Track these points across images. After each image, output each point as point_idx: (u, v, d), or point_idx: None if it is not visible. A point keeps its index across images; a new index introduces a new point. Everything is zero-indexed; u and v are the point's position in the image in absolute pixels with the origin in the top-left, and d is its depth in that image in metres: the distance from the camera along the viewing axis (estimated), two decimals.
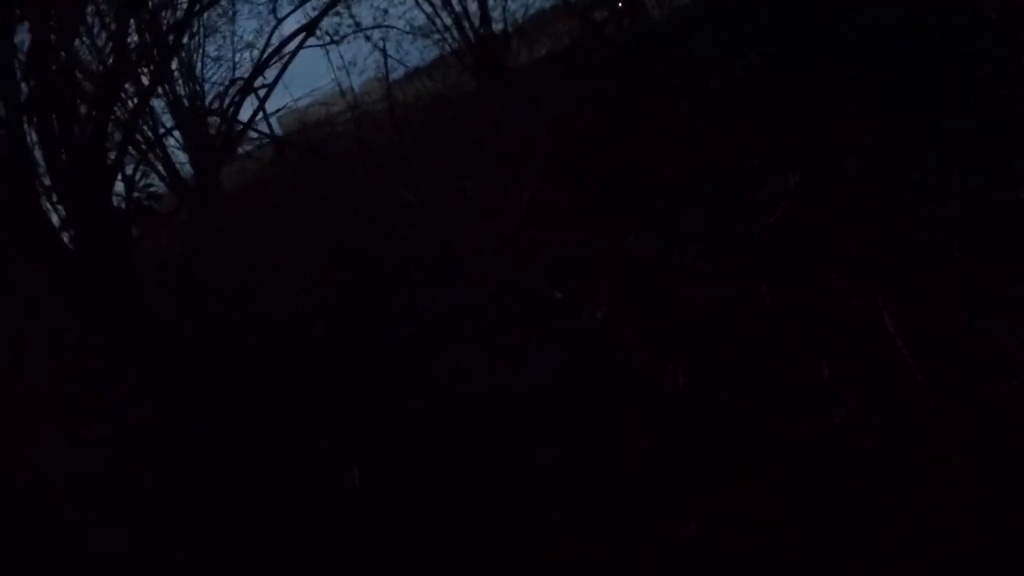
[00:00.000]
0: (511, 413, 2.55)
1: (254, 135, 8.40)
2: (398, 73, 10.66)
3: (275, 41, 8.46)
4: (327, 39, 7.67)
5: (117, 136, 5.80)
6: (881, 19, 4.80)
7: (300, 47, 4.51)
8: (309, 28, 4.49)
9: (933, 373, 2.23)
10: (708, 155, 3.80)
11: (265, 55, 4.52)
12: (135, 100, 6.39)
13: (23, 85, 4.52)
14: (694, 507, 1.91)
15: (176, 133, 11.02)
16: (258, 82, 4.65)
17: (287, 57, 4.45)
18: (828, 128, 3.57)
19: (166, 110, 11.41)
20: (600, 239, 3.29)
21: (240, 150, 9.43)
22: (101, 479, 3.22)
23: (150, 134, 9.40)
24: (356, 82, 10.45)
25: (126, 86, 5.45)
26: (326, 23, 6.55)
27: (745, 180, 3.38)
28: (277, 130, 12.58)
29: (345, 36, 9.07)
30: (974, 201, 2.72)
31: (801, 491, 1.88)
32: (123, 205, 4.96)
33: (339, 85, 10.02)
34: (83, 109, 4.96)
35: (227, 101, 4.26)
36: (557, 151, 5.22)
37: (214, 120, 11.13)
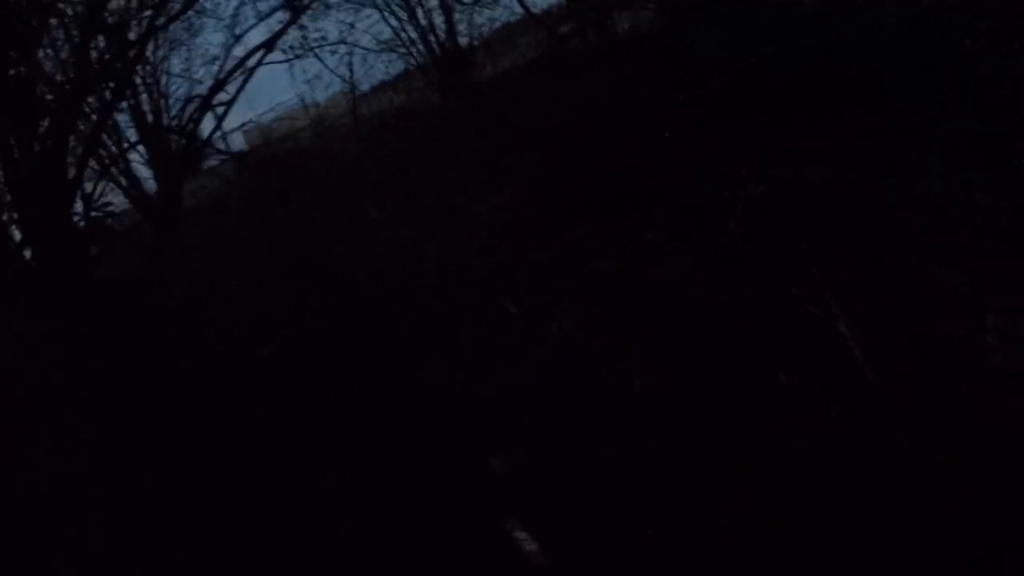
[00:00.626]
0: (482, 419, 2.52)
1: (217, 150, 8.29)
2: (364, 87, 10.61)
3: (237, 55, 8.38)
4: (290, 54, 7.60)
5: (79, 150, 5.68)
6: (882, 19, 4.86)
7: (260, 63, 4.46)
8: (268, 44, 4.44)
9: (891, 378, 2.24)
10: (686, 163, 3.81)
11: (225, 71, 4.45)
12: (97, 114, 6.26)
13: None
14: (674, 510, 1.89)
15: (140, 148, 10.84)
16: (220, 98, 4.59)
17: (247, 73, 4.39)
18: (824, 131, 3.60)
19: (130, 124, 11.23)
20: (572, 250, 3.27)
21: (204, 165, 9.30)
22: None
23: (113, 148, 9.22)
24: (321, 96, 10.37)
25: (88, 100, 5.34)
26: (288, 38, 6.49)
27: (728, 187, 3.39)
28: (241, 145, 12.44)
29: (309, 50, 9.02)
30: (965, 208, 2.75)
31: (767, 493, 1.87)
32: (82, 223, 4.84)
33: (303, 100, 9.95)
34: (44, 123, 4.85)
35: (186, 117, 4.18)
36: (525, 163, 5.21)
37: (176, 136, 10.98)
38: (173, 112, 11.85)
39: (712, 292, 2.82)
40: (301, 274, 5.09)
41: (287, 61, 6.91)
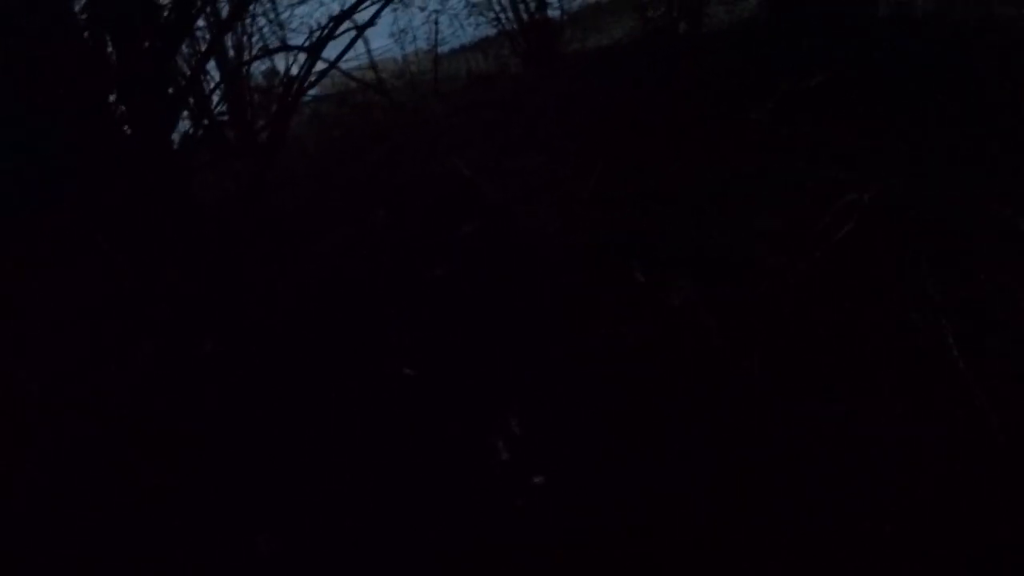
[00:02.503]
0: (588, 384, 2.67)
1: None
2: (446, 48, 10.72)
3: None
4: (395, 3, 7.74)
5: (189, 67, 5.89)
6: (952, 40, 4.90)
7: (388, 2, 4.61)
8: None
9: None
10: (772, 161, 3.90)
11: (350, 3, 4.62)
12: (212, 31, 6.44)
13: None
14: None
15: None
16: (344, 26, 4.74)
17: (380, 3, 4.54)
18: (907, 152, 3.68)
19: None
20: (671, 229, 3.40)
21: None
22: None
23: (208, 79, 9.46)
24: (404, 49, 10.51)
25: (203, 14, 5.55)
26: None
27: (816, 192, 3.48)
28: (318, 91, 12.64)
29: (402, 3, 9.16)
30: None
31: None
32: (191, 130, 5.05)
33: (400, 48, 10.12)
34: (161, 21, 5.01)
35: (313, 40, 4.34)
36: (615, 140, 5.31)
37: (256, 74, 11.21)
38: (254, 51, 12.10)
39: (820, 287, 2.93)
40: (388, 221, 5.25)
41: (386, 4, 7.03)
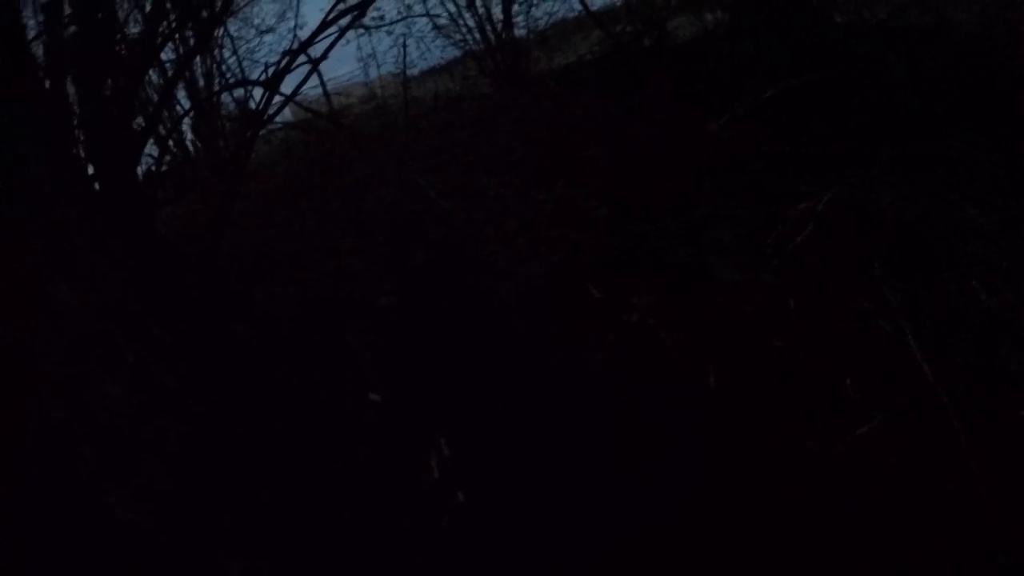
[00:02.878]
0: (545, 408, 2.64)
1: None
2: (415, 70, 10.76)
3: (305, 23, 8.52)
4: (377, 22, 7.81)
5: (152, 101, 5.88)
6: (934, 51, 4.95)
7: (350, 26, 4.61)
8: (362, 7, 4.62)
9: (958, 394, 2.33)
10: (738, 174, 3.91)
11: (313, 32, 4.62)
12: (174, 63, 6.42)
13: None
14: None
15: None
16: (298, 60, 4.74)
17: (338, 34, 4.54)
18: (880, 155, 3.70)
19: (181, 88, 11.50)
20: (631, 245, 3.39)
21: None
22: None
23: (177, 107, 9.45)
24: (372, 75, 10.55)
25: (165, 48, 5.54)
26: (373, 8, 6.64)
27: (775, 201, 3.49)
28: (288, 117, 12.63)
29: (395, 22, 9.22)
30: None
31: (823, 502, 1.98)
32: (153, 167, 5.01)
33: (366, 74, 10.15)
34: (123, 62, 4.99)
35: (270, 74, 4.35)
36: (580, 158, 5.32)
37: (227, 102, 11.21)
38: (228, 77, 12.11)
39: (778, 297, 2.92)
40: (354, 247, 5.22)
41: (368, 28, 7.06)
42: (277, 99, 4.81)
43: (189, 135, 9.53)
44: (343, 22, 4.90)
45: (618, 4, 9.80)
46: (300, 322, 3.83)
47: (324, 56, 4.42)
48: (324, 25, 4.55)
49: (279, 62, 4.40)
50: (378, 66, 10.00)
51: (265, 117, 4.36)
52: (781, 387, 2.53)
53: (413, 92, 10.32)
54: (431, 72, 10.68)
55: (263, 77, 4.60)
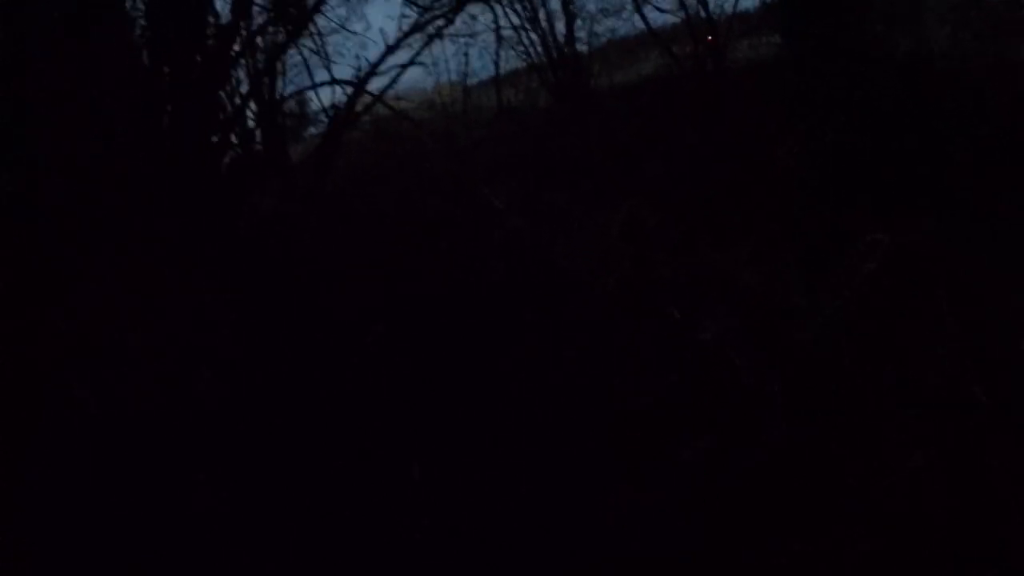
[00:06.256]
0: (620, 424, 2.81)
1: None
2: (475, 80, 10.96)
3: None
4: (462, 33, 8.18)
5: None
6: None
7: (437, 34, 4.93)
8: (448, 16, 4.95)
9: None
10: (806, 202, 4.03)
11: (395, 41, 4.95)
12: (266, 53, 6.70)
13: None
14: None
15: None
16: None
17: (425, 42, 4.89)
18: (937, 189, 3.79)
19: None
20: (702, 265, 3.54)
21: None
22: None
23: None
24: (430, 84, 10.78)
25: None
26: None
27: (843, 230, 3.61)
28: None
29: (476, 34, 9.52)
30: None
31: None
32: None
33: (436, 80, 10.43)
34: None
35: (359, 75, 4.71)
36: (645, 176, 5.48)
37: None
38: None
39: (844, 324, 3.05)
40: (415, 256, 5.40)
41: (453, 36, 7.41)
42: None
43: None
44: (430, 28, 5.21)
45: (679, 22, 9.89)
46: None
47: (412, 61, 4.69)
48: (415, 28, 4.86)
49: (372, 63, 4.66)
50: (438, 74, 10.23)
51: (351, 115, 4.68)
52: (845, 409, 2.66)
53: (473, 101, 10.54)
54: (492, 82, 10.85)
55: (355, 77, 4.90)
